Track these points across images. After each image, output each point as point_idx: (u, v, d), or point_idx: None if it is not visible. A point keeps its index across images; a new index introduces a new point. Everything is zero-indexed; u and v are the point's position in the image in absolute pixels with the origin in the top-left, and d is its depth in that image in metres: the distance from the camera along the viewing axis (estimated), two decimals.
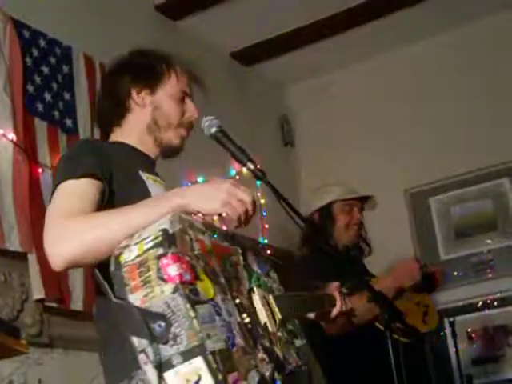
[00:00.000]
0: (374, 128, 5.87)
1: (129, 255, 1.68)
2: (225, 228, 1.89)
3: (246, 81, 5.93)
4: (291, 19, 5.45)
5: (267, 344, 1.83)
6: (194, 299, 1.63)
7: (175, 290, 1.61)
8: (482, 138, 5.55)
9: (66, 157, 2.09)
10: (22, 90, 3.70)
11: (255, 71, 6.02)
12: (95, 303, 2.03)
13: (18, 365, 3.34)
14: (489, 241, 5.49)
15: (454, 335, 4.64)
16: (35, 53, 3.85)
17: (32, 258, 3.50)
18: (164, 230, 1.68)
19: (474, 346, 5.38)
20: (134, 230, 1.75)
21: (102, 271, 1.77)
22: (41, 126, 3.76)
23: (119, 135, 2.25)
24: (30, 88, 3.77)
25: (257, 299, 1.91)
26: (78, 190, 1.92)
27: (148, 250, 1.67)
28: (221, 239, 1.92)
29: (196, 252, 1.72)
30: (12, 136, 3.55)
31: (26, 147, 3.61)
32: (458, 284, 5.37)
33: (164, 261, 1.64)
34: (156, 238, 1.67)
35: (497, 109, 5.57)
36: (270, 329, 1.89)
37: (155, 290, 1.63)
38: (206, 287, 1.68)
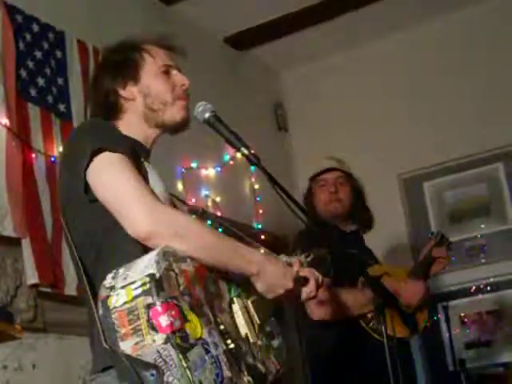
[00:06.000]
0: (368, 113, 5.86)
1: (116, 299, 1.72)
2: (219, 213, 1.89)
3: (240, 66, 5.92)
4: (285, 4, 5.43)
5: (250, 361, 1.92)
6: (185, 347, 1.70)
7: (167, 341, 1.68)
8: (476, 123, 5.55)
9: (97, 127, 2.09)
10: (14, 75, 3.68)
11: (249, 56, 6.01)
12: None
13: (12, 350, 3.34)
14: (482, 226, 5.50)
15: (447, 320, 4.65)
16: (28, 37, 3.82)
17: (26, 244, 3.50)
18: (151, 276, 1.71)
19: (467, 330, 5.41)
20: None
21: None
22: (34, 112, 3.75)
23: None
24: (23, 73, 3.75)
25: (237, 310, 1.98)
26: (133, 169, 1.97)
27: (136, 297, 1.71)
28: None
29: (181, 288, 1.77)
30: (5, 121, 3.53)
31: (20, 132, 3.60)
32: (452, 269, 5.36)
33: (154, 311, 1.69)
34: (144, 284, 1.71)
35: (490, 95, 5.57)
36: (251, 340, 1.97)
37: (146, 338, 1.69)
38: (193, 327, 1.74)
